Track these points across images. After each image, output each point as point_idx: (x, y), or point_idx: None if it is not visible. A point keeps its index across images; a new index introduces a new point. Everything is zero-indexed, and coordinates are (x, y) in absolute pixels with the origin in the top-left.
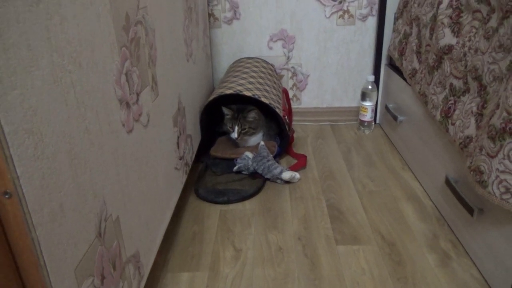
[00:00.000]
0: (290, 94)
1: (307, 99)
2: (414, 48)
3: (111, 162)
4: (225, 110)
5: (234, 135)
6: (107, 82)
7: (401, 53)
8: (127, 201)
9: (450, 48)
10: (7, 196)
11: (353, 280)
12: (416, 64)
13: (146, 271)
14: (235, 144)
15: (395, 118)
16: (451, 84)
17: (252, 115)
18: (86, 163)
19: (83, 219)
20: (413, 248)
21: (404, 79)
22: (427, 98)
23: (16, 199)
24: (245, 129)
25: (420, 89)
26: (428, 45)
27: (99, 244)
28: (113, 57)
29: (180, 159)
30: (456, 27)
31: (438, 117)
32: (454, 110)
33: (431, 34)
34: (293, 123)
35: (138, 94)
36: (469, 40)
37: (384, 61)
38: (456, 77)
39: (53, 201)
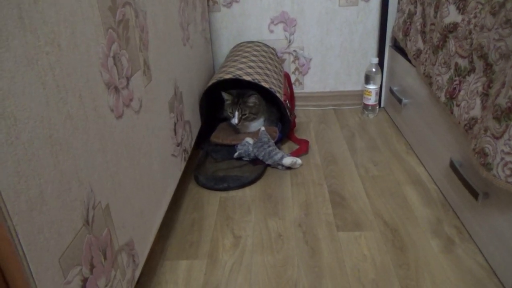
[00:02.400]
0: (292, 78)
1: (309, 83)
2: (419, 27)
3: (98, 148)
4: (225, 95)
5: (235, 120)
6: (91, 65)
7: (406, 34)
8: (118, 189)
9: (455, 26)
10: None
11: (353, 267)
12: (420, 44)
13: (142, 259)
14: (236, 130)
15: (399, 101)
16: (456, 64)
17: (252, 100)
18: (69, 149)
19: (67, 207)
20: (416, 233)
21: (409, 61)
22: (431, 79)
23: None
24: (245, 114)
25: (424, 70)
26: (433, 23)
27: (86, 233)
28: (97, 39)
29: (178, 146)
30: (461, 4)
31: (443, 98)
32: (459, 91)
33: (436, 12)
34: (295, 108)
35: (128, 79)
36: (475, 17)
37: (388, 42)
38: (461, 56)
39: (31, 189)
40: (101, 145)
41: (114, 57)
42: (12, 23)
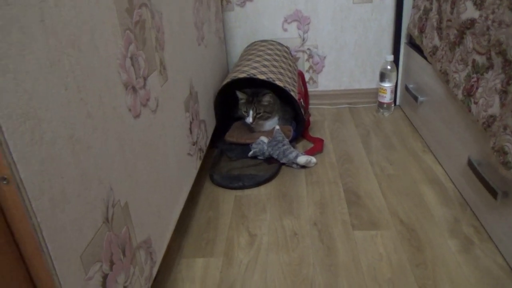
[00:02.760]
0: (307, 77)
1: (324, 82)
2: (435, 24)
3: (117, 147)
4: (240, 94)
5: (249, 119)
6: (110, 66)
7: (421, 30)
8: (136, 187)
9: (472, 22)
10: (4, 182)
11: (369, 266)
12: (436, 41)
13: (159, 256)
14: (250, 129)
15: (415, 98)
16: (473, 61)
17: (267, 98)
18: (89, 148)
19: (88, 205)
20: (434, 233)
21: (425, 58)
22: (448, 77)
23: (14, 185)
24: (260, 113)
25: (441, 67)
26: (449, 20)
27: (106, 230)
28: (116, 40)
29: (194, 145)
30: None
31: (460, 96)
32: (477, 88)
33: (452, 8)
34: (309, 106)
35: (145, 79)
36: (493, 13)
37: (403, 39)
38: (479, 53)
39: (54, 187)
40: (120, 144)
41: (131, 58)
42: (35, 26)
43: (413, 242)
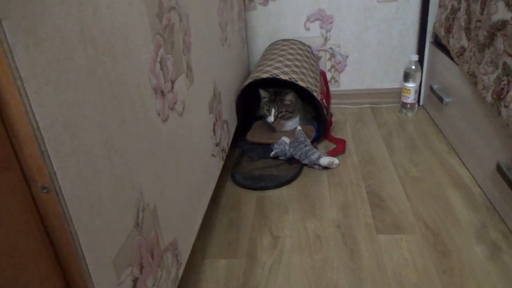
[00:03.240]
0: (328, 76)
1: (346, 81)
2: (463, 24)
3: (147, 152)
4: (262, 93)
5: (271, 118)
6: (141, 71)
7: (448, 30)
8: (164, 191)
9: (504, 23)
10: (45, 191)
11: (395, 271)
12: (464, 42)
13: (184, 258)
14: (271, 128)
15: (440, 99)
16: (504, 63)
17: (289, 98)
18: (122, 154)
19: (121, 210)
20: (460, 238)
21: (451, 58)
22: (477, 79)
23: (54, 194)
24: (282, 112)
25: (469, 68)
26: (479, 20)
27: (137, 234)
28: (147, 45)
29: (217, 146)
30: (511, 1)
31: (490, 99)
32: (508, 92)
33: (482, 9)
34: (331, 106)
35: (173, 82)
36: None
37: (429, 39)
38: (510, 55)
39: (91, 194)
40: (150, 148)
41: (160, 62)
42: (74, 36)
43: (439, 247)
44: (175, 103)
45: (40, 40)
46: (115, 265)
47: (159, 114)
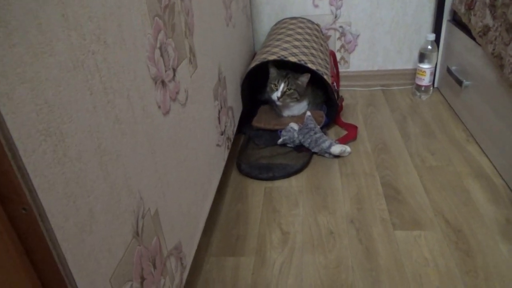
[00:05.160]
0: (338, 56)
1: (356, 62)
2: (487, 1)
3: (147, 151)
4: (272, 69)
5: (278, 94)
6: (138, 60)
7: (469, 7)
8: (166, 191)
9: None
10: (24, 211)
11: (415, 272)
12: (489, 20)
13: (189, 260)
14: (278, 113)
15: (459, 82)
16: None
17: (304, 79)
18: (117, 158)
19: (117, 220)
20: (484, 235)
21: (472, 38)
22: (503, 61)
23: (34, 215)
24: (291, 89)
25: (494, 49)
26: None
27: (137, 244)
28: (144, 29)
29: (222, 135)
30: None
31: None
32: None
33: None
34: (340, 88)
35: (174, 70)
36: None
37: (446, 16)
38: None
39: (81, 210)
40: (150, 146)
41: (160, 48)
42: (55, 23)
43: (461, 246)
44: (177, 92)
45: (10, 30)
46: (112, 284)
47: (159, 107)
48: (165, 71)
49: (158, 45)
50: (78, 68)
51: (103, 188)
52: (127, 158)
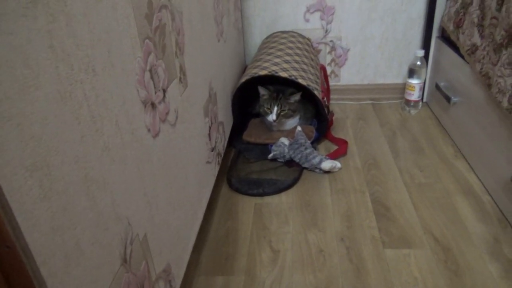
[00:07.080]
0: (328, 70)
1: (346, 76)
2: (475, 20)
3: (135, 176)
4: (262, 90)
5: (273, 116)
6: (128, 84)
7: (458, 25)
8: (155, 214)
9: None
10: (6, 249)
11: None
12: (477, 39)
13: (178, 282)
14: (269, 127)
15: (447, 98)
16: None
17: (296, 98)
18: (105, 186)
19: (104, 250)
20: (472, 254)
21: (460, 55)
22: (490, 80)
23: (18, 252)
24: (284, 110)
25: (482, 68)
26: (494, 17)
27: (124, 272)
28: (134, 53)
29: (212, 151)
30: None
31: (506, 104)
32: None
33: (500, 5)
34: (331, 102)
35: (164, 91)
36: None
37: (435, 33)
38: None
39: (67, 242)
40: (138, 171)
41: (150, 70)
42: (43, 55)
43: (450, 265)
44: (167, 113)
45: None
46: None
47: (149, 130)
48: (155, 92)
49: (148, 68)
50: (66, 99)
51: (90, 218)
52: (115, 185)
